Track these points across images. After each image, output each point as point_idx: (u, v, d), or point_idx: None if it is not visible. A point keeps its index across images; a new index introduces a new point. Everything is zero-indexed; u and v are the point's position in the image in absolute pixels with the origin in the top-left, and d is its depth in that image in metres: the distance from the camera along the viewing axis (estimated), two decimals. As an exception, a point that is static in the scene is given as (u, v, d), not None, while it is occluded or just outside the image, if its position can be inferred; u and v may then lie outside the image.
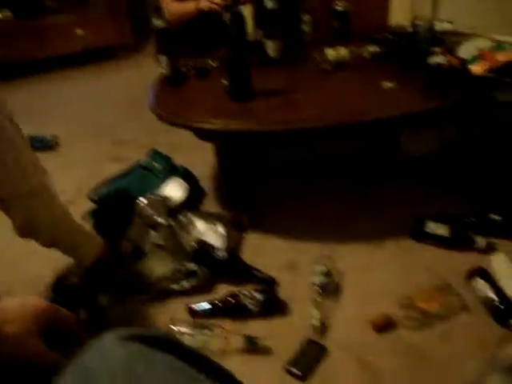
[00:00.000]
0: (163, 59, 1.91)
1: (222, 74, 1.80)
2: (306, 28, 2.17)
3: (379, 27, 2.24)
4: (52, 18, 3.82)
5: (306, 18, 2.15)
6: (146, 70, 2.33)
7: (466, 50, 1.74)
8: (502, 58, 1.62)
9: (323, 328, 1.48)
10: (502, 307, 1.47)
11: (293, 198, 2.03)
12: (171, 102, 1.86)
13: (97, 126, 2.99)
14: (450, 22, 2.07)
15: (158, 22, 1.88)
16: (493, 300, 1.50)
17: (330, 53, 1.82)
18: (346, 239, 1.80)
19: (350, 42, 2.08)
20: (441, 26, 2.04)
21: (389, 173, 2.10)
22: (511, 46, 1.65)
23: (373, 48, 1.93)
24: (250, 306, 1.53)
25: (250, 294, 1.55)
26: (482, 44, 1.71)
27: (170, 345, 0.63)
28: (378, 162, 2.14)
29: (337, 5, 2.17)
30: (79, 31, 3.87)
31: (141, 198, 1.90)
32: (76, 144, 2.81)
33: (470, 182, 1.94)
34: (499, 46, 1.67)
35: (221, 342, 1.44)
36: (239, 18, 1.97)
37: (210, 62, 2.08)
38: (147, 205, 1.88)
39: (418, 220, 1.78)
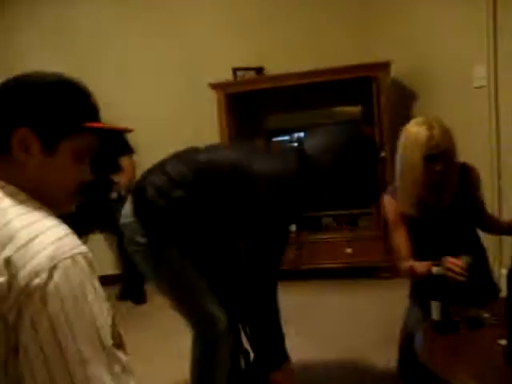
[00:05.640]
0: (436, 305, 1.83)
1: (499, 332, 1.64)
2: None
3: None
4: (329, 234, 4.26)
5: None
6: (402, 294, 2.34)
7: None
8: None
9: None
10: None
11: None
12: (439, 352, 1.74)
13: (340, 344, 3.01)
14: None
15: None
16: None
17: None
18: None
19: None
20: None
21: None
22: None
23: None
24: None
25: None
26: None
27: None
28: None
29: None
30: (348, 250, 4.17)
31: None
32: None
33: None
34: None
35: None
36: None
37: (483, 313, 1.88)
38: None
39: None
